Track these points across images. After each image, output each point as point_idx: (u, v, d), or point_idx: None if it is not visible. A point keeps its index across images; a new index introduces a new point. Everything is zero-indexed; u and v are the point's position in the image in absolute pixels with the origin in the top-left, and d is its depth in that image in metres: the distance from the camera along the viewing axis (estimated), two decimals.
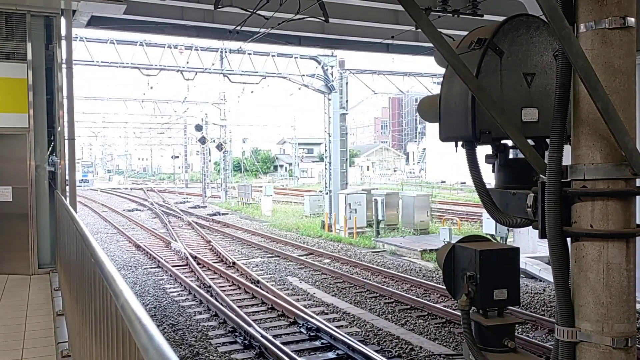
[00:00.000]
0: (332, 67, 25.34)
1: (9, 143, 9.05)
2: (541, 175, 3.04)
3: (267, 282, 13.76)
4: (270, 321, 10.71)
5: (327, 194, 25.75)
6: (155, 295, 12.88)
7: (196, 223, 26.06)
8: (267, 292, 12.64)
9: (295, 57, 24.42)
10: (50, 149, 9.34)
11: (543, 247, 14.34)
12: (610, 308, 2.82)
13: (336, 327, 9.96)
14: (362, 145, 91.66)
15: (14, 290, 7.90)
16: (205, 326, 10.45)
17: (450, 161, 48.57)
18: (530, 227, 3.32)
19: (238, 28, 13.99)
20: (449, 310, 10.87)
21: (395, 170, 77.57)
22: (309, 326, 9.90)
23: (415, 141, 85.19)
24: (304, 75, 25.07)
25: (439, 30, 3.19)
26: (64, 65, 9.29)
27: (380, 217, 21.92)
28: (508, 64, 3.57)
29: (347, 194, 23.77)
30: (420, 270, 15.39)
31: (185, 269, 15.76)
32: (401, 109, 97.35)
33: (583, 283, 2.89)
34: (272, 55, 23.66)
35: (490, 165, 3.86)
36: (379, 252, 18.95)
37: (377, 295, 12.64)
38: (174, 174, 72.56)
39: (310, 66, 25.45)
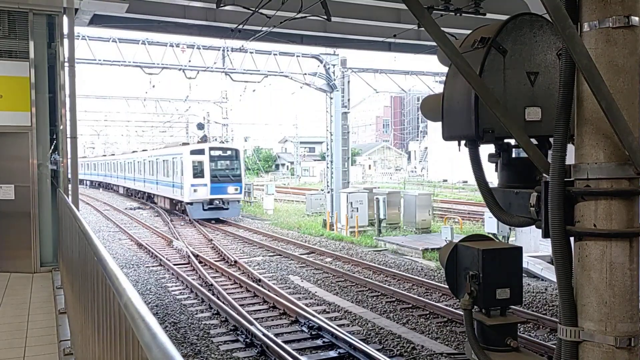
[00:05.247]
0: (334, 65, 25.34)
1: (12, 141, 9.06)
2: (544, 175, 3.04)
3: (269, 280, 13.76)
4: (272, 320, 10.71)
5: (328, 192, 25.74)
6: (157, 294, 12.89)
7: (198, 221, 26.04)
8: (268, 290, 12.65)
9: (297, 56, 24.42)
10: (52, 147, 9.35)
11: (545, 246, 14.34)
12: (613, 307, 2.81)
13: (338, 325, 9.95)
14: (363, 144, 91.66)
15: (16, 289, 7.91)
16: (206, 324, 10.46)
17: (452, 160, 48.55)
18: (532, 226, 3.32)
19: (240, 27, 13.99)
20: (450, 309, 10.86)
21: (397, 169, 77.54)
22: (310, 325, 9.90)
23: (417, 140, 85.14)
24: (305, 73, 25.07)
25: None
26: (66, 64, 9.29)
27: (381, 216, 21.91)
28: (511, 63, 3.56)
29: (349, 192, 23.77)
30: (422, 269, 15.38)
31: (187, 267, 15.78)
32: (403, 108, 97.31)
33: (586, 282, 2.88)
34: (274, 54, 23.66)
35: (493, 165, 3.85)
36: (380, 250, 18.94)
37: (379, 294, 12.64)
38: None
39: (312, 65, 25.49)
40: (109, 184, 50.32)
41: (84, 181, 59.93)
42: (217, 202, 26.04)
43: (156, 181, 31.97)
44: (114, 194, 47.74)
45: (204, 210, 25.86)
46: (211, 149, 27.08)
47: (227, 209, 26.35)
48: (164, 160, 30.56)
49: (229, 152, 27.68)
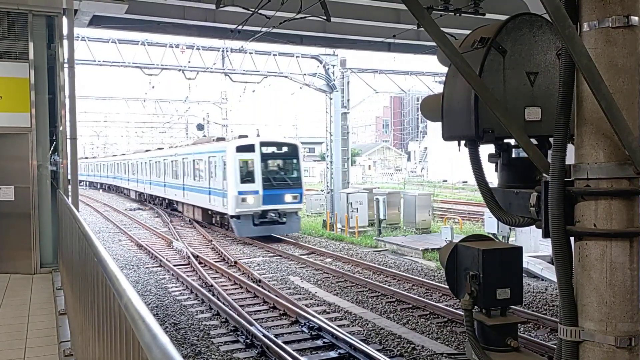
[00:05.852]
0: (333, 66, 25.36)
1: (11, 142, 9.06)
2: (544, 175, 3.04)
3: (269, 281, 13.76)
4: (272, 320, 10.71)
5: (328, 193, 25.75)
6: (157, 295, 12.89)
7: (197, 222, 26.02)
8: (268, 291, 12.64)
9: (296, 56, 24.43)
10: (52, 148, 9.35)
11: (545, 246, 14.34)
12: (613, 307, 2.81)
13: (338, 326, 9.95)
14: (363, 144, 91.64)
15: (16, 290, 7.90)
16: (207, 325, 10.45)
17: (452, 160, 48.56)
18: (532, 226, 3.32)
19: (239, 27, 13.99)
20: (450, 309, 10.86)
21: (397, 170, 77.53)
22: (310, 325, 9.90)
23: (417, 140, 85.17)
24: (305, 74, 25.08)
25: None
26: (65, 65, 9.30)
27: (381, 216, 21.91)
28: (511, 63, 3.56)
29: (349, 193, 23.78)
30: (422, 270, 15.38)
31: (187, 268, 15.77)
32: (402, 108, 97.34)
33: (586, 282, 2.88)
34: (274, 55, 23.66)
35: (493, 165, 3.86)
36: (380, 251, 18.94)
37: (379, 294, 12.64)
38: None
39: (311, 65, 25.50)
40: (118, 187, 45.74)
41: (83, 182, 59.49)
42: (272, 214, 19.98)
43: (182, 186, 25.64)
44: (114, 194, 47.58)
45: (255, 225, 19.84)
46: (262, 144, 20.34)
47: (283, 223, 20.16)
48: (194, 160, 24.33)
49: (285, 149, 20.98)
